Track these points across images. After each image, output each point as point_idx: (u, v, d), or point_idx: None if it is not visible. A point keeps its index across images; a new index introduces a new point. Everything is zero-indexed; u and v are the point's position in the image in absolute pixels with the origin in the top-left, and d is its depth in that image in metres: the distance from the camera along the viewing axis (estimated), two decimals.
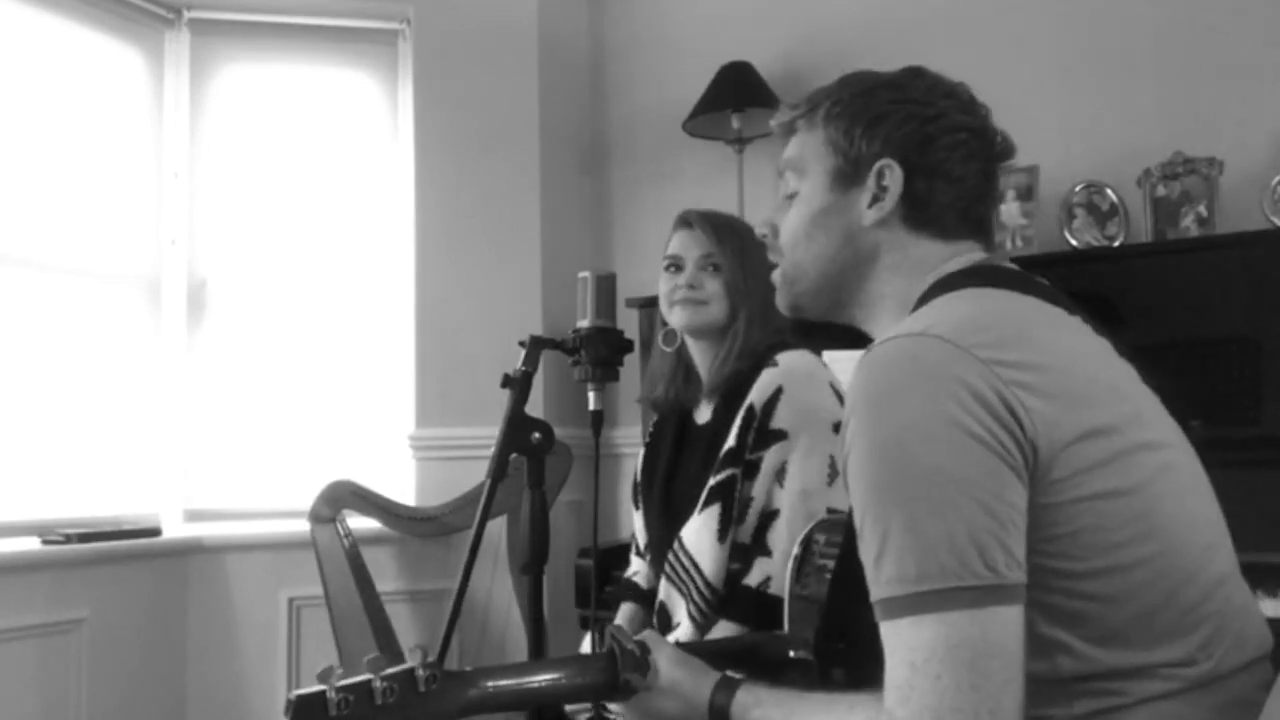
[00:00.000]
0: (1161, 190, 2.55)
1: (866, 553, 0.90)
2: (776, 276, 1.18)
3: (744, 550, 1.68)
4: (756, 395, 1.70)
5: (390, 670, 0.99)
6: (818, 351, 1.83)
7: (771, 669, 1.13)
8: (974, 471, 0.86)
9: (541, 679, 1.12)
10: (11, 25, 2.72)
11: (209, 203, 3.12)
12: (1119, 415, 0.94)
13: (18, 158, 2.71)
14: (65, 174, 2.82)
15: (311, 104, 3.22)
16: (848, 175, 1.10)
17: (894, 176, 1.07)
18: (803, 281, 1.15)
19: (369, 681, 0.97)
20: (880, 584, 0.88)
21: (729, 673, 1.11)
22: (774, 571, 1.64)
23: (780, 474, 1.67)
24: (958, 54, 2.96)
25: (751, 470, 1.68)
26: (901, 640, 0.87)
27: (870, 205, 1.08)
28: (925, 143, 1.07)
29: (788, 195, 1.16)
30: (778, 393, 1.68)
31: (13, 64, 2.72)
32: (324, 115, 3.23)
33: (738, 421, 1.70)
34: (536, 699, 1.15)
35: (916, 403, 0.89)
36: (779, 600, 1.61)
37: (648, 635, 1.17)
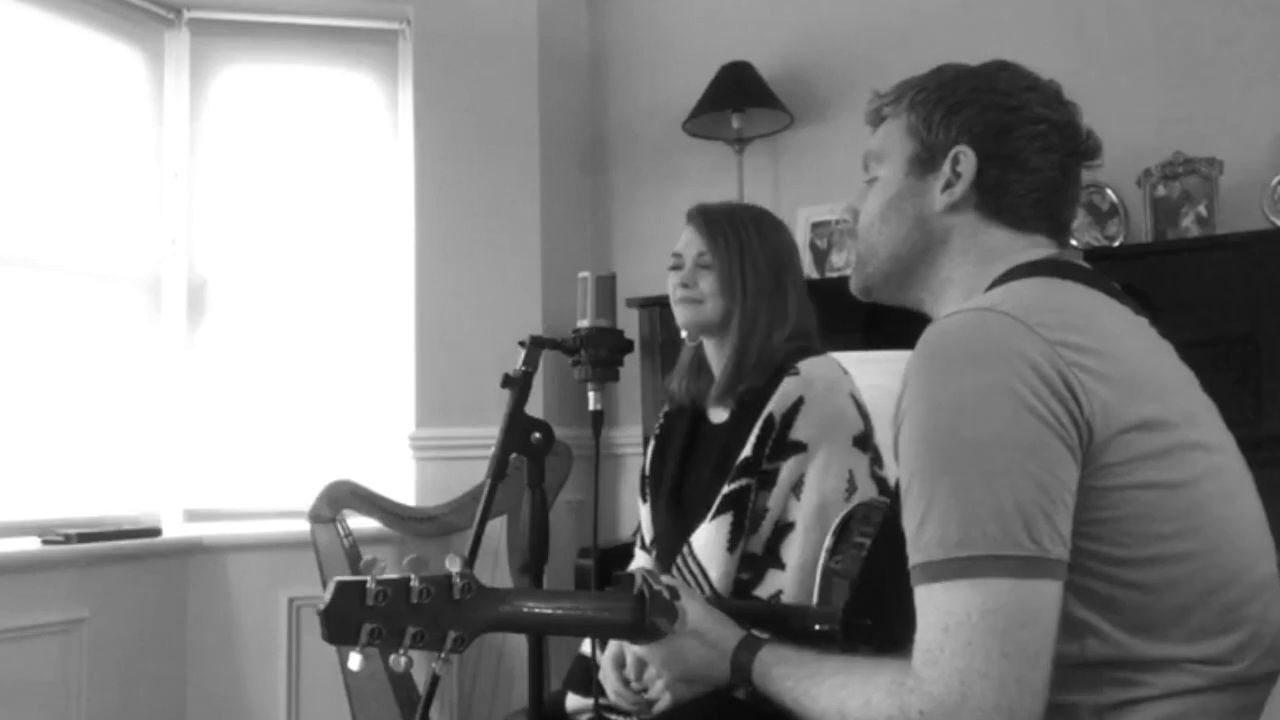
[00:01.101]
0: (1161, 190, 2.55)
1: (910, 517, 0.90)
2: (853, 259, 1.20)
3: (755, 561, 1.66)
4: (776, 405, 1.67)
5: (429, 574, 1.02)
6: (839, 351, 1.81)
7: (794, 640, 1.13)
8: (1028, 444, 0.87)
9: (571, 609, 1.14)
10: (11, 25, 2.72)
11: (209, 203, 3.12)
12: (1175, 412, 0.94)
13: (18, 158, 2.71)
14: (66, 174, 2.81)
15: (311, 104, 3.22)
16: (924, 161, 1.11)
17: (968, 163, 1.08)
18: (873, 263, 1.16)
19: (408, 580, 1.00)
20: (921, 548, 0.89)
21: (754, 631, 1.12)
22: (786, 585, 1.62)
23: (797, 487, 1.64)
24: (958, 55, 2.94)
25: (767, 481, 1.66)
26: (936, 604, 0.87)
27: (943, 191, 1.10)
28: (1003, 132, 1.08)
29: (868, 180, 1.18)
30: (798, 403, 1.66)
31: (13, 64, 2.71)
32: (324, 115, 3.22)
33: (756, 431, 1.67)
34: (564, 627, 1.18)
35: (977, 373, 0.90)
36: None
37: (677, 582, 1.18)
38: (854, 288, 1.21)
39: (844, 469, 1.64)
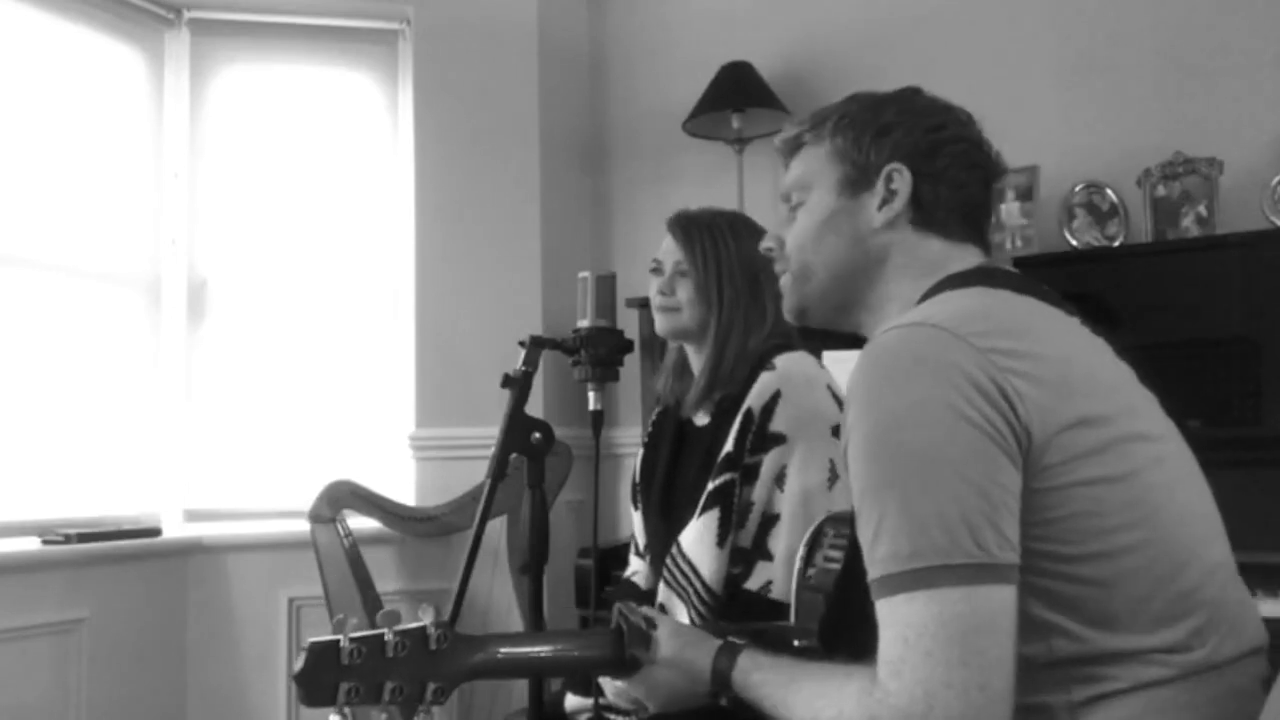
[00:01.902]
0: (1161, 190, 2.55)
1: (864, 533, 0.92)
2: (784, 282, 1.21)
3: (744, 554, 1.67)
4: (754, 399, 1.68)
5: (404, 626, 1.01)
6: (818, 352, 1.82)
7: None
8: (967, 454, 0.89)
9: (550, 650, 1.14)
10: (11, 25, 2.72)
11: (209, 203, 3.12)
12: (1112, 406, 0.96)
13: (17, 158, 2.71)
14: (65, 174, 2.82)
15: (311, 104, 3.22)
16: (856, 181, 1.14)
17: (902, 180, 1.12)
18: (811, 283, 1.18)
19: (382, 635, 1.00)
20: (876, 562, 0.91)
21: (731, 638, 1.13)
22: (775, 575, 1.63)
23: (780, 478, 1.65)
24: (958, 54, 2.98)
25: (750, 474, 1.67)
26: (896, 616, 0.89)
27: (880, 208, 1.12)
28: (931, 150, 1.12)
29: (792, 208, 1.20)
30: (775, 396, 1.67)
31: (12, 64, 2.71)
32: (324, 115, 3.22)
33: (735, 426, 1.69)
34: (544, 669, 1.18)
35: (914, 388, 0.92)
36: (781, 604, 1.61)
37: (654, 611, 1.18)
38: (787, 308, 1.22)
39: (825, 459, 1.65)
